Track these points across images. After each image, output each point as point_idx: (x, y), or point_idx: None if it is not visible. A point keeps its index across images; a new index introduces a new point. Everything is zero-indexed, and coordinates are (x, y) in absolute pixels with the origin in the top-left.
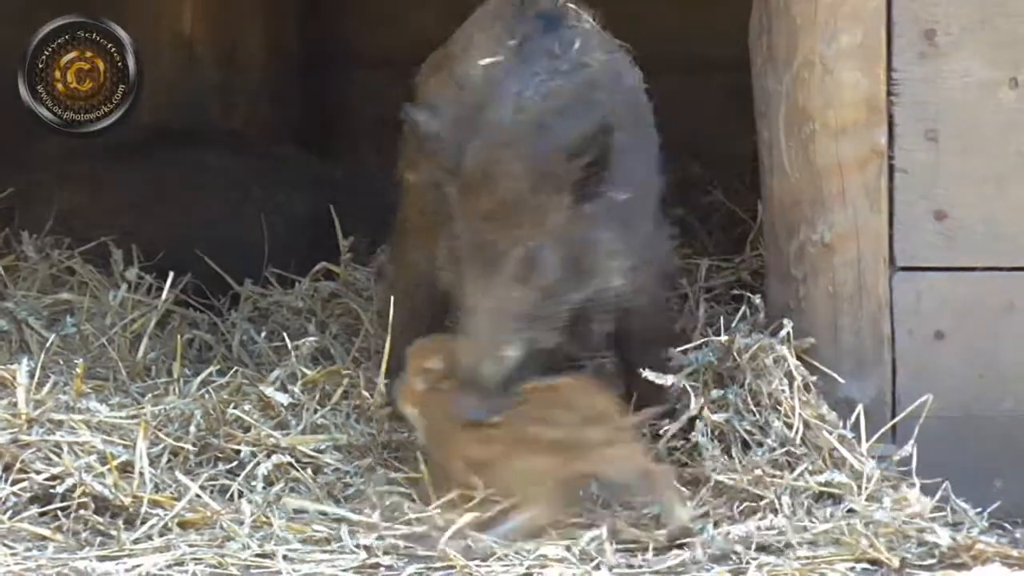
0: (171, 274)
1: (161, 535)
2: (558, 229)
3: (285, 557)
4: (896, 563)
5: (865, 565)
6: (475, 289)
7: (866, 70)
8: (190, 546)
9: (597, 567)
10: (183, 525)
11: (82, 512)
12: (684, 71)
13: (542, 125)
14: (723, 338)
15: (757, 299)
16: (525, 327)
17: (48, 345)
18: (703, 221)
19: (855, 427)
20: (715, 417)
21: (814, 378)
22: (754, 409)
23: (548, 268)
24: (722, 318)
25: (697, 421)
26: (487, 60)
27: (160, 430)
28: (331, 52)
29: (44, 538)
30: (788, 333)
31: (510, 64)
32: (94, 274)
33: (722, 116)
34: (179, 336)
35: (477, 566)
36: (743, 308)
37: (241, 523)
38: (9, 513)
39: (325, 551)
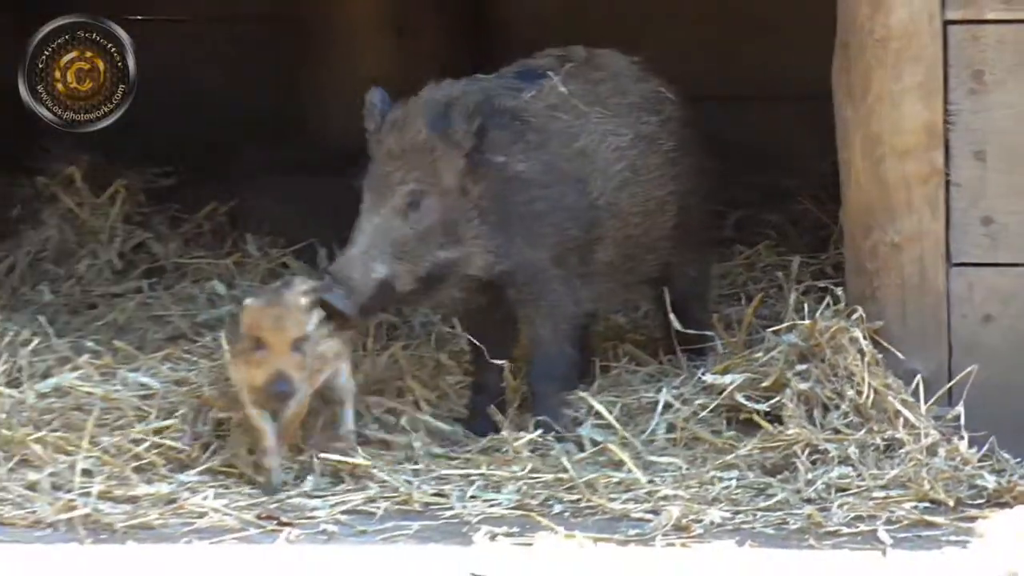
0: None
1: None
2: (446, 188)
3: (458, 497)
4: (952, 502)
5: (927, 504)
6: (365, 213)
7: (926, 103)
8: (380, 485)
9: (711, 503)
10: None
11: None
12: (778, 101)
13: (449, 103)
14: (807, 322)
15: (839, 290)
16: (393, 256)
17: None
18: (794, 225)
19: (916, 393)
20: (800, 386)
21: (882, 355)
22: (832, 379)
23: (426, 214)
24: (807, 305)
25: (786, 389)
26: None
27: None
28: None
29: (255, 482)
30: (861, 317)
31: (482, 80)
32: (303, 268)
33: (809, 138)
34: None
35: (609, 499)
36: (827, 297)
37: (416, 471)
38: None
39: (490, 491)
